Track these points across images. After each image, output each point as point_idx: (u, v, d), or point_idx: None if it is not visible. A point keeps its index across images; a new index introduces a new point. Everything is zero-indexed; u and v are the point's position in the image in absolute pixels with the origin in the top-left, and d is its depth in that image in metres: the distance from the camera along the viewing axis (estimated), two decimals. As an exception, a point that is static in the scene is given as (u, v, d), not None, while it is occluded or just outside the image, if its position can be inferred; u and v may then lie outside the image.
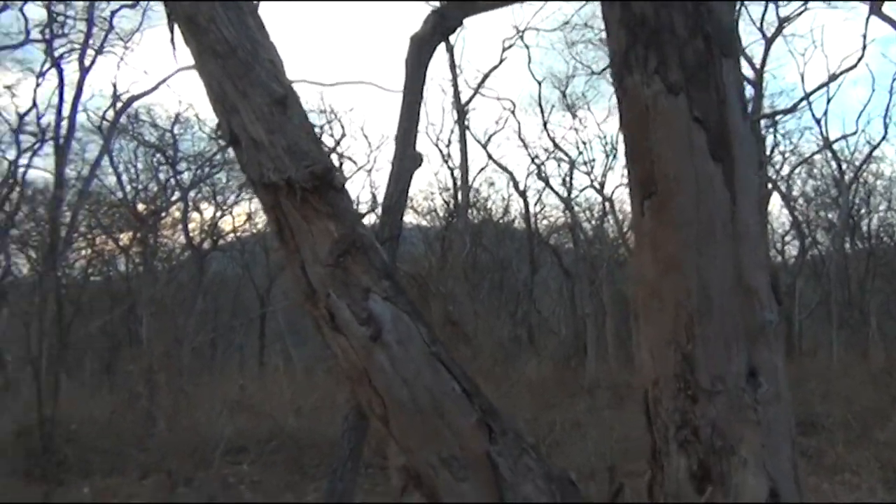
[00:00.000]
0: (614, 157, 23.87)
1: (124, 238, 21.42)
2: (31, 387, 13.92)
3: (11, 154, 19.65)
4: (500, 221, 25.20)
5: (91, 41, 18.56)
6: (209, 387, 14.55)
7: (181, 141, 21.87)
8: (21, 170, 19.41)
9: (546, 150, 24.34)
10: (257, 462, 11.46)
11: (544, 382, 15.87)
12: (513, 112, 23.91)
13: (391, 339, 1.93)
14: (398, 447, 1.99)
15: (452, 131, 22.48)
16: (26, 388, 15.07)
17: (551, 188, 24.33)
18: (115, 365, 20.98)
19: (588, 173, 24.25)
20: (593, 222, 25.10)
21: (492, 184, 25.21)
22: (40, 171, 24.01)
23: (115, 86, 19.56)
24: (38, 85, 19.47)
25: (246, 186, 22.63)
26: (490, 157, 23.48)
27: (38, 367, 13.13)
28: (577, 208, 24.40)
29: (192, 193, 21.84)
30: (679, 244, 1.80)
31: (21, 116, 19.62)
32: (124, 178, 21.65)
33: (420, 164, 6.26)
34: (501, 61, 22.96)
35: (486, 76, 22.65)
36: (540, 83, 23.92)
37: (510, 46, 23.01)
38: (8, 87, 20.76)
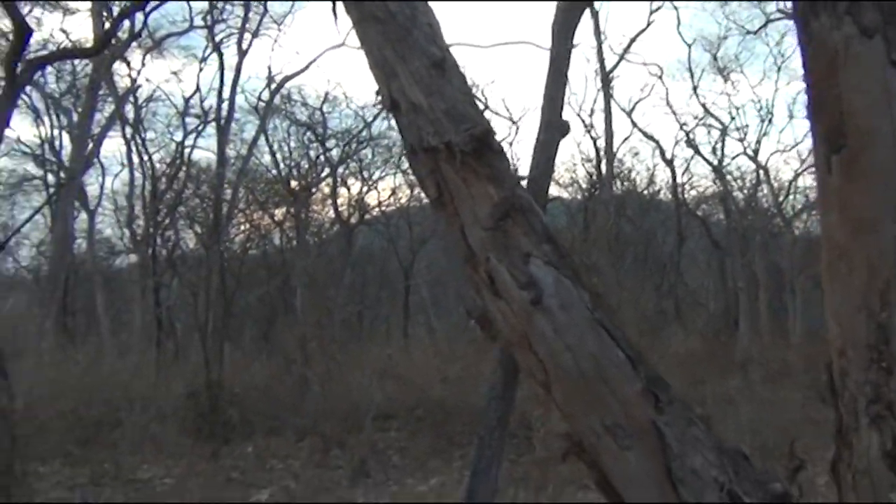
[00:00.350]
0: (769, 122, 22.60)
1: (278, 213, 22.52)
2: (199, 353, 14.99)
3: (178, 136, 21.08)
4: (645, 192, 24.49)
5: (248, 25, 19.52)
6: (358, 355, 15.08)
7: (330, 119, 22.68)
8: (187, 150, 20.76)
9: (695, 116, 23.43)
10: (404, 429, 11.81)
11: (693, 356, 15.33)
12: (660, 78, 23.14)
13: (553, 304, 1.88)
14: (560, 414, 1.94)
15: (595, 100, 22.03)
16: (194, 354, 16.25)
17: (701, 156, 23.38)
18: (272, 333, 22.18)
19: (741, 140, 23.16)
20: (745, 192, 23.88)
21: (636, 154, 24.54)
22: (204, 151, 25.60)
23: (269, 68, 20.58)
24: (200, 70, 20.78)
25: (390, 162, 23.20)
26: (635, 125, 22.85)
27: (205, 335, 14.09)
28: (728, 177, 23.32)
29: (340, 169, 22.62)
30: (872, 202, 1.64)
31: (186, 100, 21.01)
32: (278, 156, 22.71)
33: (567, 133, 6.13)
34: (648, 25, 22.19)
35: (632, 41, 21.98)
36: (689, 46, 22.97)
37: (658, 9, 22.17)
38: (174, 73, 22.29)
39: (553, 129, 5.94)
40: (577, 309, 1.89)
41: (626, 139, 22.99)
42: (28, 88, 17.42)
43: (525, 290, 1.87)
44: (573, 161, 24.36)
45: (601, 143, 21.39)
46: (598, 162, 21.41)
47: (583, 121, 21.99)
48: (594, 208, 19.81)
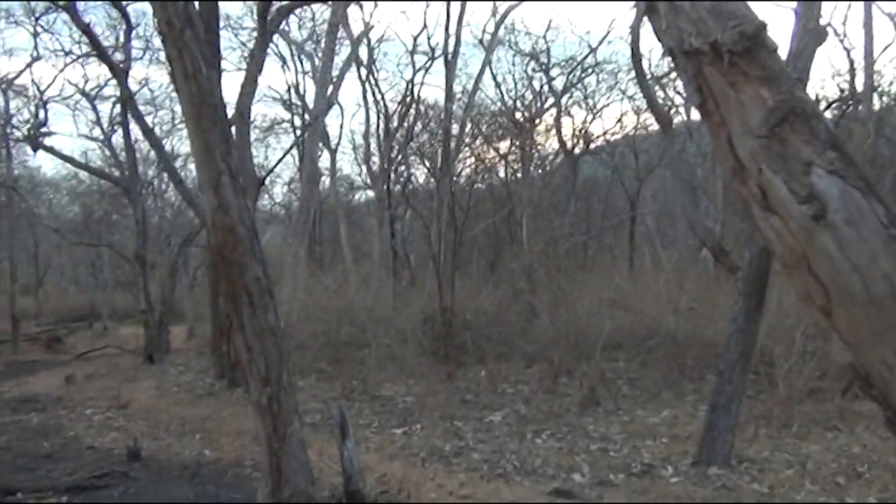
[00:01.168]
0: None
1: (503, 146, 22.68)
2: (432, 281, 15.70)
3: (408, 74, 21.76)
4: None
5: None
6: (584, 285, 14.96)
7: (553, 47, 22.21)
8: (416, 88, 21.39)
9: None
10: (634, 359, 11.60)
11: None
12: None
13: (838, 219, 1.64)
14: (842, 342, 1.72)
15: (850, 7, 19.59)
16: (427, 281, 17.04)
17: None
18: (498, 263, 22.66)
19: None
20: None
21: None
22: (432, 87, 26.26)
23: (493, -1, 20.39)
24: (427, 7, 21.13)
25: (616, 88, 22.35)
26: (899, 32, 20.04)
27: (437, 264, 14.68)
28: None
29: (564, 99, 22.20)
30: None
31: (414, 38, 21.54)
32: (502, 88, 22.73)
33: (824, 40, 5.48)
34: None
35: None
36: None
37: None
38: (402, 13, 22.87)
39: (809, 35, 5.33)
40: (869, 224, 1.64)
41: (886, 47, 20.35)
42: (275, 37, 18.76)
43: (805, 205, 1.65)
44: (821, 76, 21.94)
45: (855, 54, 19.05)
46: (853, 75, 19.12)
47: (834, 30, 19.67)
48: (847, 127, 17.82)
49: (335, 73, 16.98)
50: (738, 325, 6.46)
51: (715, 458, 6.42)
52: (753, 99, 1.71)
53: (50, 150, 19.48)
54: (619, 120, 27.94)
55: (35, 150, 19.75)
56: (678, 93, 21.89)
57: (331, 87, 16.18)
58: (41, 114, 20.27)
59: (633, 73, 16.00)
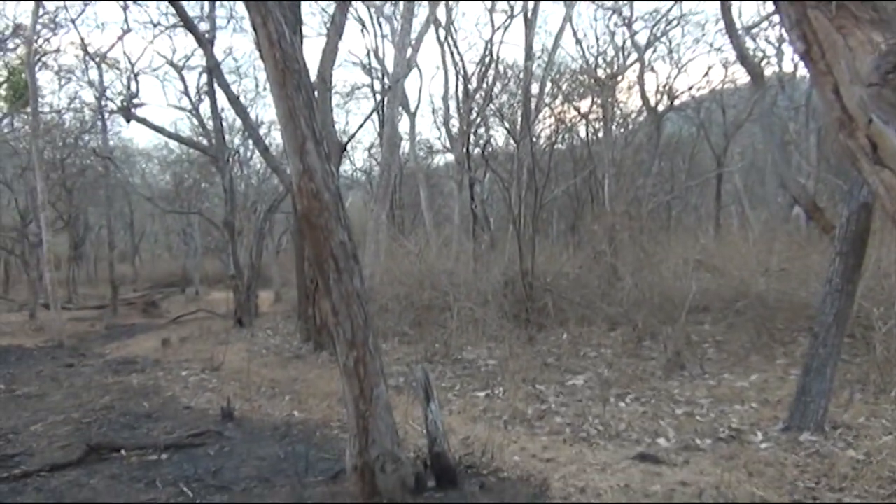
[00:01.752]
0: None
1: (584, 105, 22.20)
2: (512, 244, 15.62)
3: (487, 33, 21.46)
4: None
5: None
6: (668, 246, 14.61)
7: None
8: (495, 47, 21.11)
9: None
10: (721, 322, 11.29)
11: None
12: None
13: (958, 172, 1.52)
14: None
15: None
16: (508, 244, 16.98)
17: None
18: (580, 225, 22.37)
19: None
20: None
21: None
22: (511, 46, 25.86)
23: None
24: (505, -36, 20.70)
25: (702, 41, 21.47)
26: None
27: (518, 227, 14.57)
28: None
29: (647, 54, 21.50)
30: None
31: (493, -3, 21.20)
32: (583, 45, 22.22)
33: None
34: None
35: None
36: None
37: None
38: (480, -29, 22.48)
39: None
40: None
41: None
42: (354, 1, 18.78)
43: (921, 157, 1.54)
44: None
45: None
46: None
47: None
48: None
49: (414, 35, 16.91)
50: (833, 285, 6.18)
51: (807, 424, 6.20)
52: (863, 44, 1.59)
53: (142, 120, 20.16)
54: (706, 74, 26.96)
55: (128, 120, 20.48)
56: (770, 43, 20.94)
57: (410, 51, 16.12)
58: (133, 85, 20.98)
59: (721, 24, 15.35)
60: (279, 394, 9.10)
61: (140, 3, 21.63)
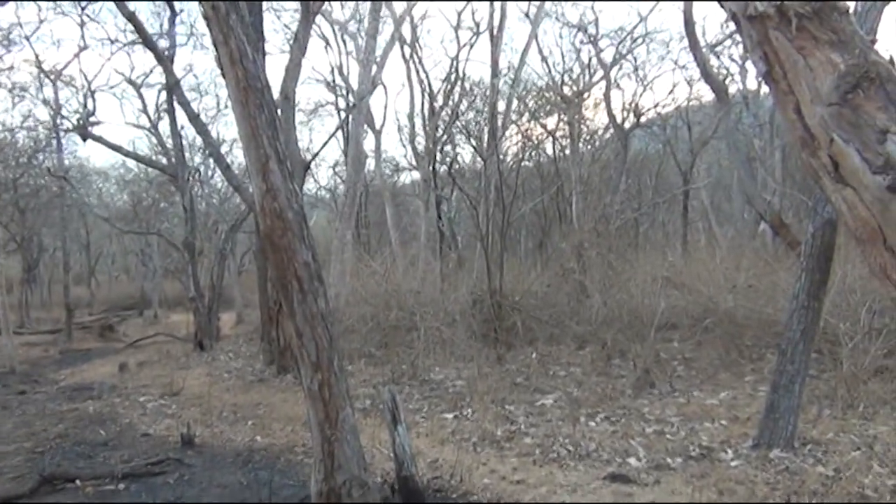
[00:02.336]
0: None
1: (551, 122, 22.43)
2: (480, 262, 15.67)
3: (452, 50, 21.65)
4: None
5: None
6: (636, 263, 14.77)
7: (601, 17, 21.82)
8: (461, 64, 21.29)
9: None
10: (689, 339, 11.42)
11: None
12: None
13: (917, 190, 1.57)
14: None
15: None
16: (476, 263, 17.03)
17: None
18: (547, 242, 22.52)
19: None
20: None
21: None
22: (477, 63, 26.07)
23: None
24: (470, -19, 20.92)
25: (667, 58, 21.88)
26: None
27: (485, 245, 14.61)
28: None
29: (613, 71, 21.84)
30: None
31: (458, 14, 21.40)
32: (549, 62, 22.49)
33: None
34: None
35: None
36: None
37: None
38: (445, -12, 22.66)
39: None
40: (951, 195, 1.56)
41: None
42: (318, 18, 18.82)
43: (880, 175, 1.58)
44: (893, 38, 21.09)
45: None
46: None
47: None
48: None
49: (378, 52, 16.99)
50: (800, 301, 6.30)
51: (777, 441, 6.29)
52: (824, 64, 1.64)
53: (99, 139, 19.91)
54: (671, 91, 27.44)
55: (84, 139, 20.21)
56: (734, 61, 21.39)
57: (374, 68, 16.18)
58: (89, 103, 20.74)
59: (685, 42, 15.65)
60: (241, 419, 8.99)
61: (97, 20, 21.45)
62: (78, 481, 6.33)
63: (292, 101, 13.53)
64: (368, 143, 23.67)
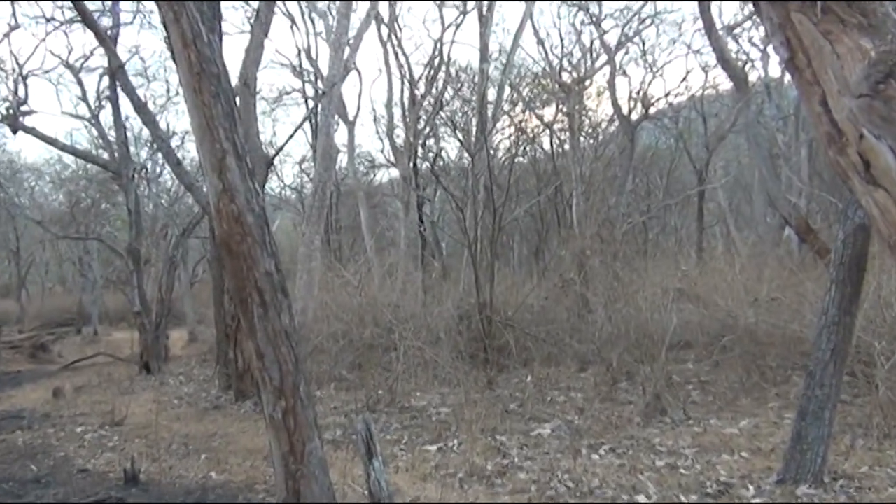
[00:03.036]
0: None
1: (548, 113, 22.54)
2: (468, 272, 15.69)
3: (436, 31, 21.73)
4: None
5: None
6: (645, 273, 14.84)
7: (606, -6, 21.98)
8: (446, 47, 21.35)
9: None
10: (705, 359, 11.49)
11: None
12: None
13: (957, 192, 1.59)
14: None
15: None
16: (463, 273, 17.05)
17: None
18: (544, 249, 22.61)
19: None
20: None
21: None
22: (464, 46, 26.18)
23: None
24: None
25: (679, 41, 22.06)
26: None
27: (473, 253, 14.65)
28: None
29: (618, 56, 21.98)
30: None
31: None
32: (546, 45, 22.57)
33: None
34: None
35: None
36: None
37: None
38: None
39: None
40: None
41: None
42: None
43: (916, 176, 1.61)
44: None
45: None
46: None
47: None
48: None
49: (352, 34, 17.02)
50: (829, 317, 6.35)
51: (804, 475, 6.33)
52: (852, 51, 1.66)
53: (31, 131, 19.79)
54: (684, 79, 27.63)
55: (14, 131, 20.08)
56: (754, 45, 21.60)
57: (347, 51, 16.20)
58: (21, 90, 20.62)
59: (699, 24, 15.80)
60: (194, 452, 8.95)
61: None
62: (4, 525, 6.29)
63: (253, 87, 13.52)
64: (340, 136, 23.68)
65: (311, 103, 24.48)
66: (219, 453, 8.73)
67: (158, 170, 26.98)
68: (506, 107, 21.49)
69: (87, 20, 15.50)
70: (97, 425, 10.93)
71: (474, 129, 19.37)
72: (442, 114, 21.74)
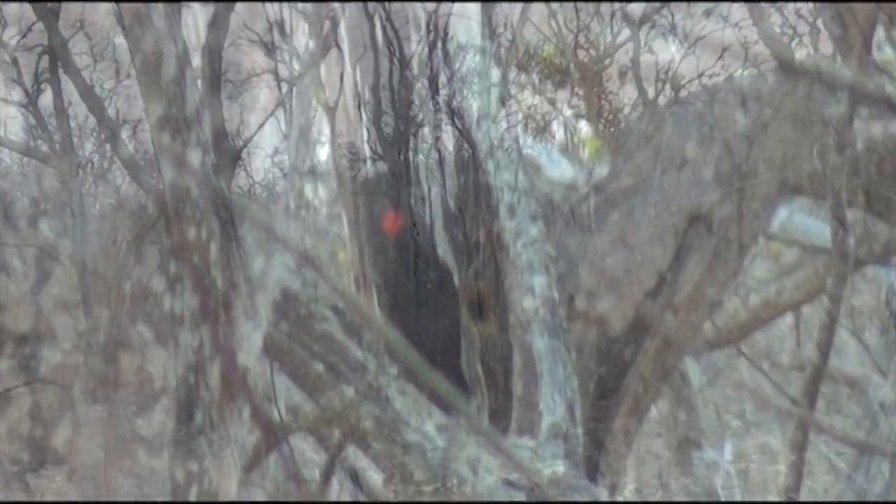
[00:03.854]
0: None
1: (560, 97, 22.55)
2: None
3: (431, 2, 21.79)
4: None
5: None
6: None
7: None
8: (442, 20, 21.39)
9: None
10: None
11: None
12: None
13: None
14: None
15: None
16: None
17: None
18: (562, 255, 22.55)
19: None
20: None
21: None
22: (463, 19, 26.24)
23: None
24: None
25: (715, 12, 22.17)
26: None
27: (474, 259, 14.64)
28: None
29: (643, 30, 22.03)
30: None
31: (438, -46, 21.54)
32: (559, 17, 22.58)
33: None
34: None
35: None
36: None
37: None
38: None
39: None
40: None
41: None
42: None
43: None
44: None
45: None
46: None
47: None
48: None
49: (334, 3, 17.02)
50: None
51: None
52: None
53: (-44, 119, 19.79)
54: (720, 57, 27.66)
55: (-64, 120, 20.10)
56: (802, 17, 21.65)
57: (327, 24, 16.23)
58: (-57, 72, 20.66)
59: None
60: (151, 497, 8.94)
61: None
62: None
63: (218, 68, 13.55)
64: (319, 125, 23.73)
65: (284, 87, 24.51)
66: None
67: (107, 164, 27.00)
68: (512, 90, 21.52)
69: (24, -10, 15.56)
70: (35, 465, 10.90)
71: (476, 115, 19.41)
72: (438, 98, 21.79)
